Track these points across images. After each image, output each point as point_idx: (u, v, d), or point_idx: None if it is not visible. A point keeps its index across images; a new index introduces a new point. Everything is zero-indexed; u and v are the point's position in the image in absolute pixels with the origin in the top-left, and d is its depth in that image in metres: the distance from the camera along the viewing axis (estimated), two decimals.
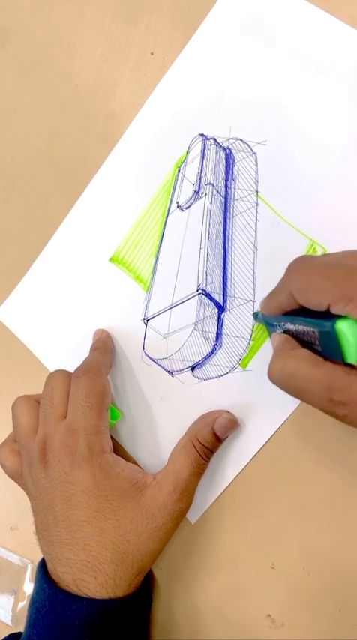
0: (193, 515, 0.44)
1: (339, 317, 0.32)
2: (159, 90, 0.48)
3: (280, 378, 0.35)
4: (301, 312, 0.35)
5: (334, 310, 0.31)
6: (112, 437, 0.45)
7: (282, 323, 0.37)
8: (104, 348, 0.46)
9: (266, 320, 0.40)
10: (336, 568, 0.41)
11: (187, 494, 0.41)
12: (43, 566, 0.41)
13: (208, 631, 0.44)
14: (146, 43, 0.48)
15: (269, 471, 0.43)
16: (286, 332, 0.37)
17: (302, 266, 0.34)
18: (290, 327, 0.36)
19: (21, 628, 0.45)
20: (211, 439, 0.42)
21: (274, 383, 0.35)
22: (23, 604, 0.49)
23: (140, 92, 0.48)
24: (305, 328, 0.34)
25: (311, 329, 0.34)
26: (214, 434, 0.42)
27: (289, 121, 0.44)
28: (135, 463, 0.46)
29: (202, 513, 0.44)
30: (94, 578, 0.38)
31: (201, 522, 0.44)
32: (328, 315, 0.32)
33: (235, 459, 0.43)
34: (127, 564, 0.39)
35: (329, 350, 0.33)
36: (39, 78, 0.51)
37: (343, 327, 0.31)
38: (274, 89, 0.44)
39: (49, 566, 0.40)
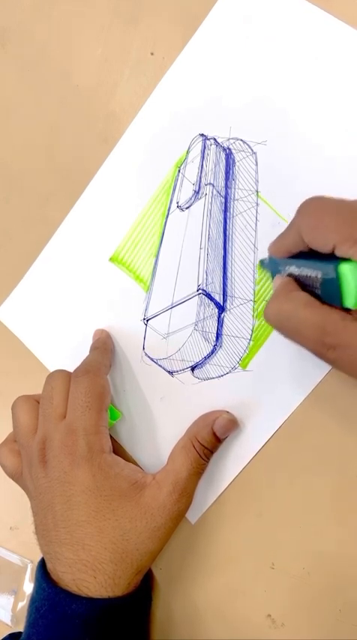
0: (193, 515, 0.44)
1: (343, 261, 0.32)
2: (159, 90, 0.48)
3: (275, 319, 0.35)
4: (306, 255, 0.35)
5: (339, 252, 0.32)
6: (112, 437, 0.45)
7: (286, 267, 0.37)
8: (104, 348, 0.46)
9: (272, 265, 0.40)
10: (336, 568, 0.41)
11: (186, 494, 0.41)
12: (42, 565, 0.41)
13: (207, 631, 0.44)
14: (146, 43, 0.48)
15: (269, 471, 0.43)
16: (289, 276, 0.37)
17: (314, 205, 0.34)
18: (294, 270, 0.36)
19: (21, 628, 0.45)
20: (210, 439, 0.42)
21: (269, 324, 0.36)
22: (23, 604, 0.49)
23: (140, 92, 0.48)
24: (308, 272, 0.35)
25: (314, 272, 0.34)
26: (214, 434, 0.42)
27: (289, 121, 0.44)
28: (135, 463, 0.46)
29: (202, 513, 0.44)
30: (94, 578, 0.38)
31: (201, 522, 0.44)
32: (333, 260, 0.33)
33: (235, 459, 0.43)
34: (126, 564, 0.39)
35: (329, 294, 0.33)
36: (39, 78, 0.51)
37: (345, 269, 0.32)
38: (274, 89, 0.44)
39: (49, 565, 0.40)
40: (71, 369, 0.44)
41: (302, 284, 0.36)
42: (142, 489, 0.41)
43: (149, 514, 0.40)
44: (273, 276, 0.39)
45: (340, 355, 0.32)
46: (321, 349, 0.32)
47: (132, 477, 0.41)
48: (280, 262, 0.38)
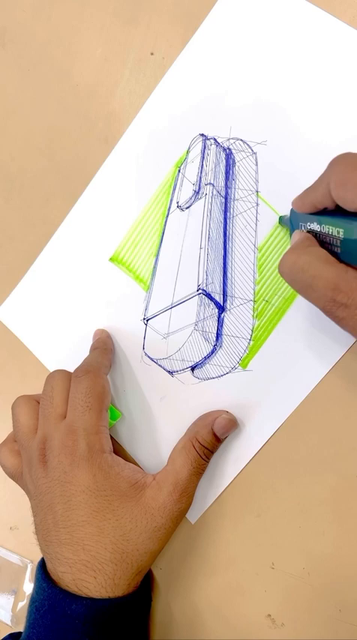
0: (193, 515, 0.44)
1: None
2: (159, 90, 0.48)
3: (289, 271, 0.35)
4: (331, 213, 0.35)
5: None
6: (112, 437, 0.45)
7: (307, 223, 0.37)
8: (104, 348, 0.46)
9: (293, 221, 0.39)
10: (336, 568, 0.41)
11: (186, 495, 0.41)
12: (42, 566, 0.41)
13: (207, 631, 0.44)
14: (146, 43, 0.48)
15: (269, 471, 0.43)
16: (309, 232, 0.37)
17: (347, 160, 0.34)
18: (315, 227, 0.36)
19: (21, 628, 0.45)
20: (210, 439, 0.42)
21: (282, 275, 0.35)
22: (23, 604, 0.49)
23: (140, 92, 0.48)
24: (330, 229, 0.34)
25: (336, 230, 0.34)
26: (214, 434, 0.42)
27: (289, 121, 0.44)
28: (135, 463, 0.46)
29: (202, 513, 0.44)
30: (94, 578, 0.38)
31: (201, 522, 0.44)
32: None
33: (235, 459, 0.43)
34: (126, 564, 0.39)
35: (349, 253, 0.33)
36: (39, 78, 0.51)
37: None
38: (274, 89, 0.44)
39: (49, 566, 0.40)
40: (71, 369, 0.44)
41: (321, 242, 0.36)
42: (143, 489, 0.41)
43: (149, 514, 0.40)
44: (292, 232, 0.39)
45: (349, 314, 0.32)
46: (331, 306, 0.32)
47: (132, 477, 0.41)
48: (302, 218, 0.37)
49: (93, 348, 0.47)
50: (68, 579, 0.39)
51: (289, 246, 0.40)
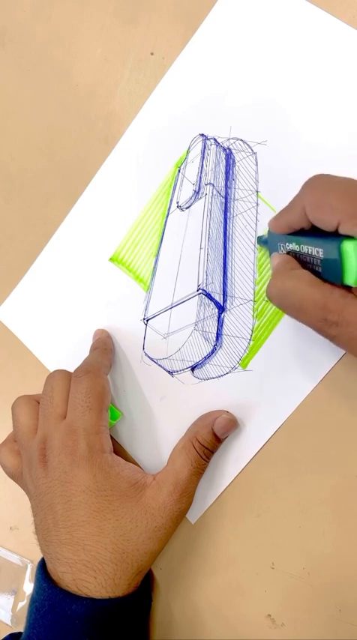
0: (193, 515, 0.44)
1: (346, 238, 0.32)
2: (159, 90, 0.48)
3: (278, 296, 0.35)
4: (308, 233, 0.36)
5: (343, 229, 0.32)
6: (112, 437, 0.45)
7: (286, 244, 0.37)
8: (104, 348, 0.46)
9: (271, 241, 0.40)
10: (336, 568, 0.41)
11: (187, 495, 0.41)
12: (42, 566, 0.41)
13: (207, 631, 0.44)
14: (146, 43, 0.48)
15: (269, 471, 0.43)
16: (288, 253, 0.37)
17: (319, 181, 0.34)
18: (294, 248, 0.37)
19: (21, 628, 0.45)
20: (210, 439, 0.42)
21: (271, 300, 0.36)
22: (23, 604, 0.49)
23: (140, 92, 0.48)
24: (309, 249, 0.35)
25: (315, 250, 0.34)
26: (214, 434, 0.42)
27: (289, 121, 0.44)
28: (135, 463, 0.46)
29: (202, 513, 0.44)
30: (94, 578, 0.38)
31: (201, 522, 0.44)
32: (335, 237, 0.33)
33: (235, 459, 0.43)
34: (126, 564, 0.39)
35: (330, 272, 0.34)
36: (39, 78, 0.51)
37: (348, 246, 0.32)
38: (275, 89, 0.44)
39: (49, 566, 0.40)
40: (71, 369, 0.44)
41: (301, 262, 0.36)
42: (143, 489, 0.41)
43: (150, 514, 0.40)
44: (271, 253, 0.39)
45: (341, 331, 0.33)
46: (323, 326, 0.33)
47: (132, 477, 0.41)
48: (280, 238, 0.38)
49: (93, 348, 0.47)
50: (68, 579, 0.39)
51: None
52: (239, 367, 0.43)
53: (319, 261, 0.34)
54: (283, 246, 0.38)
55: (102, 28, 0.50)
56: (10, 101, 0.52)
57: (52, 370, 0.46)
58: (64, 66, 0.51)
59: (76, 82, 0.50)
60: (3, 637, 0.43)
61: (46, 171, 0.51)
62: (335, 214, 0.32)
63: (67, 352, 0.49)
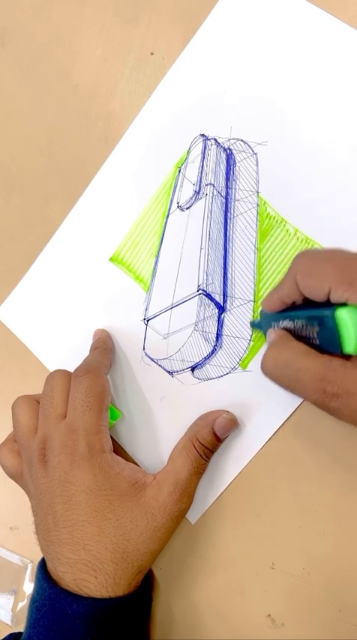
0: (193, 515, 0.44)
1: (339, 306, 0.32)
2: (159, 90, 0.48)
3: (273, 368, 0.35)
4: (301, 307, 0.36)
5: (334, 296, 0.32)
6: (112, 437, 0.45)
7: (280, 322, 0.37)
8: (104, 348, 0.46)
9: (265, 322, 0.40)
10: (336, 568, 0.41)
11: (187, 495, 0.41)
12: (43, 566, 0.41)
13: (207, 631, 0.44)
14: (146, 43, 0.48)
15: (269, 471, 0.43)
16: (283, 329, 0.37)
17: (308, 254, 0.35)
18: (288, 324, 0.37)
19: (21, 628, 0.45)
20: (211, 439, 0.42)
21: (266, 374, 0.36)
22: (23, 604, 0.49)
23: (140, 92, 0.48)
24: (303, 323, 0.35)
25: (310, 322, 0.34)
26: (214, 434, 0.42)
27: (289, 122, 0.44)
28: (135, 463, 0.46)
29: (202, 513, 0.44)
30: (95, 578, 0.38)
31: (201, 522, 0.44)
32: (328, 307, 0.33)
33: (235, 459, 0.43)
34: (127, 564, 0.39)
35: (327, 342, 0.33)
36: (39, 78, 0.51)
37: (342, 313, 0.32)
38: (275, 89, 0.44)
39: (49, 565, 0.40)
40: (71, 369, 0.44)
41: (297, 337, 0.36)
42: (143, 489, 0.41)
43: (150, 514, 0.40)
44: (265, 332, 0.39)
45: (343, 403, 0.32)
46: (323, 398, 0.32)
47: (133, 477, 0.41)
48: (274, 317, 0.38)
49: (93, 348, 0.47)
50: (69, 579, 0.39)
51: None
52: (239, 368, 0.43)
53: (314, 333, 0.34)
54: (276, 325, 0.38)
55: (102, 28, 0.50)
56: (10, 101, 0.52)
57: (52, 370, 0.46)
58: (64, 66, 0.51)
59: (76, 82, 0.50)
60: (3, 637, 0.43)
61: (46, 171, 0.51)
62: (326, 281, 0.32)
63: (67, 352, 0.49)
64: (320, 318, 0.33)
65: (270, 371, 0.35)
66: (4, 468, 0.45)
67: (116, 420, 0.46)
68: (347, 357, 0.33)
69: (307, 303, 0.35)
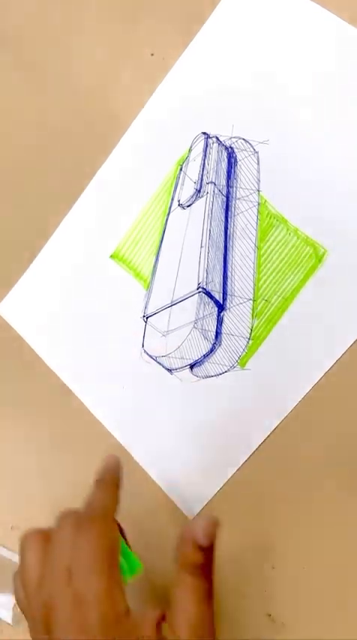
0: (191, 512, 0.44)
1: None
2: (161, 88, 0.48)
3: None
4: None
5: None
6: (111, 436, 0.45)
7: None
8: (112, 483, 0.40)
9: None
10: (336, 568, 0.41)
11: (205, 629, 0.36)
12: None
13: None
14: (146, 43, 0.48)
15: (269, 471, 0.43)
16: None
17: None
18: None
19: (21, 628, 0.46)
20: (200, 556, 0.36)
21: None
22: None
23: (140, 92, 0.48)
24: None
25: None
26: (202, 549, 0.36)
27: (291, 121, 0.44)
28: (134, 462, 0.46)
29: (201, 512, 0.44)
30: None
31: None
32: None
33: (234, 458, 0.43)
34: None
35: None
36: (39, 78, 0.52)
37: None
38: (277, 89, 0.44)
39: None
40: (71, 368, 0.44)
41: None
42: None
43: None
44: None
45: None
46: None
47: (152, 635, 0.35)
48: None
49: (99, 481, 0.40)
50: None
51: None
52: (238, 366, 0.43)
53: None
54: None
55: (102, 28, 0.50)
56: (10, 101, 0.53)
57: (52, 367, 0.46)
58: (64, 66, 0.51)
59: (76, 82, 0.51)
60: None
61: (48, 169, 0.51)
62: None
63: (67, 349, 0.49)
64: None
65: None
66: (17, 602, 0.39)
67: (136, 574, 0.39)
68: None
69: None
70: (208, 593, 0.36)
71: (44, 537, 0.37)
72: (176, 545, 0.37)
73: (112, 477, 0.40)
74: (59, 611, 0.34)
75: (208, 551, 0.37)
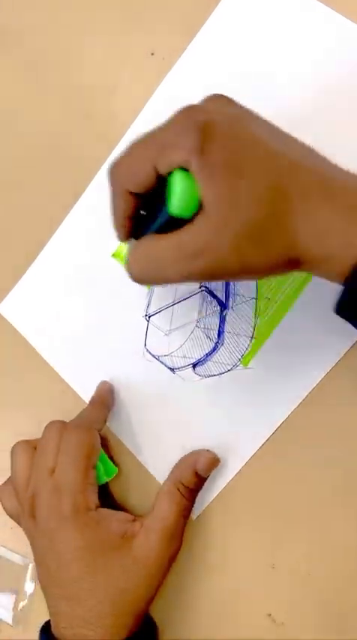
0: (193, 513, 0.44)
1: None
2: (161, 88, 0.48)
3: (136, 267, 0.34)
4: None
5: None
6: (112, 434, 0.45)
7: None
8: (101, 402, 0.46)
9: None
10: (336, 568, 0.41)
11: (175, 539, 0.41)
12: (44, 629, 0.41)
13: (208, 631, 0.44)
14: (146, 43, 0.49)
15: (269, 471, 0.43)
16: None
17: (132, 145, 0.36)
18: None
19: (21, 627, 0.45)
20: (194, 480, 0.42)
21: (135, 279, 0.35)
22: (24, 603, 0.49)
23: (140, 92, 0.48)
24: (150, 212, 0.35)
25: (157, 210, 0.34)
26: (197, 474, 0.42)
27: (292, 121, 0.44)
28: (134, 460, 0.46)
29: (202, 512, 0.44)
30: (93, 632, 0.38)
31: (201, 522, 0.44)
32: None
33: (235, 458, 0.43)
34: (124, 614, 0.39)
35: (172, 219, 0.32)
36: (39, 78, 0.51)
37: (176, 175, 0.32)
38: (277, 89, 0.44)
39: (52, 622, 0.40)
40: (71, 368, 0.44)
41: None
42: (132, 539, 0.40)
43: (141, 563, 0.40)
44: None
45: (207, 260, 0.31)
46: (186, 265, 0.32)
47: (120, 529, 0.41)
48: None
49: (91, 402, 0.47)
50: (69, 635, 0.39)
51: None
52: (241, 365, 0.43)
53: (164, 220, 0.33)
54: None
55: (102, 28, 0.50)
56: (10, 101, 0.52)
57: (53, 366, 0.46)
58: (64, 66, 0.51)
59: (76, 82, 0.50)
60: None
61: (49, 169, 0.51)
62: (185, 153, 0.32)
63: (68, 348, 0.49)
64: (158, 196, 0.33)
65: (137, 271, 0.35)
66: (5, 509, 0.45)
67: (111, 477, 0.46)
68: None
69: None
70: (187, 512, 0.43)
71: (31, 446, 0.44)
72: (176, 464, 0.43)
73: (102, 398, 0.46)
74: (42, 498, 0.41)
75: (201, 480, 0.43)
